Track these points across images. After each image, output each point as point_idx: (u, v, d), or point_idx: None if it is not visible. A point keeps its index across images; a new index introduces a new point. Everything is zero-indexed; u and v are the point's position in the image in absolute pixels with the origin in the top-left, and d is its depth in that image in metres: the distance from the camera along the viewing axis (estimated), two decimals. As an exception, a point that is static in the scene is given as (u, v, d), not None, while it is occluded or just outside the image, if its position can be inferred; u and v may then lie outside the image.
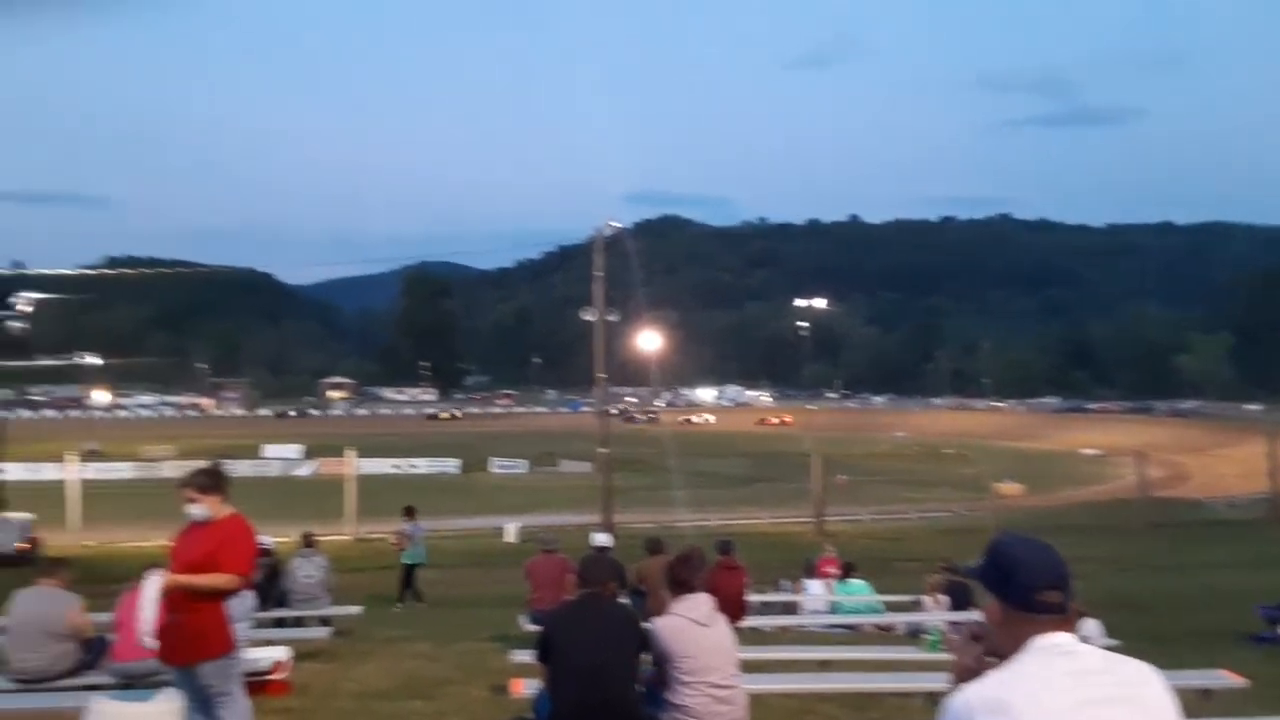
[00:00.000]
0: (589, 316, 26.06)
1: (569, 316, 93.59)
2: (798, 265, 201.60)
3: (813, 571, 14.23)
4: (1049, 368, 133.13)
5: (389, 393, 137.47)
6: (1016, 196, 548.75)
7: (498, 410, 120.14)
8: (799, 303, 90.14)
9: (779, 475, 50.76)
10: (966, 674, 2.12)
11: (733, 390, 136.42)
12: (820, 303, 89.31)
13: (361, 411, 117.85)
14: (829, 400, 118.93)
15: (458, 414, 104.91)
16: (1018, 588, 2.04)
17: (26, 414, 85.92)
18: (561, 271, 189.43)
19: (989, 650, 2.14)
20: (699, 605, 4.76)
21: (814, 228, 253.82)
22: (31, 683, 6.96)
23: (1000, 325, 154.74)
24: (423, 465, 54.02)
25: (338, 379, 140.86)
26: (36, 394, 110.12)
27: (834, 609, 13.24)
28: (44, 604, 7.02)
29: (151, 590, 4.74)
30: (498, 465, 55.96)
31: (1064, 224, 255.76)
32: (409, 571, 15.93)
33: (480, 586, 19.70)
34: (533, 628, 9.67)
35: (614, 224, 27.07)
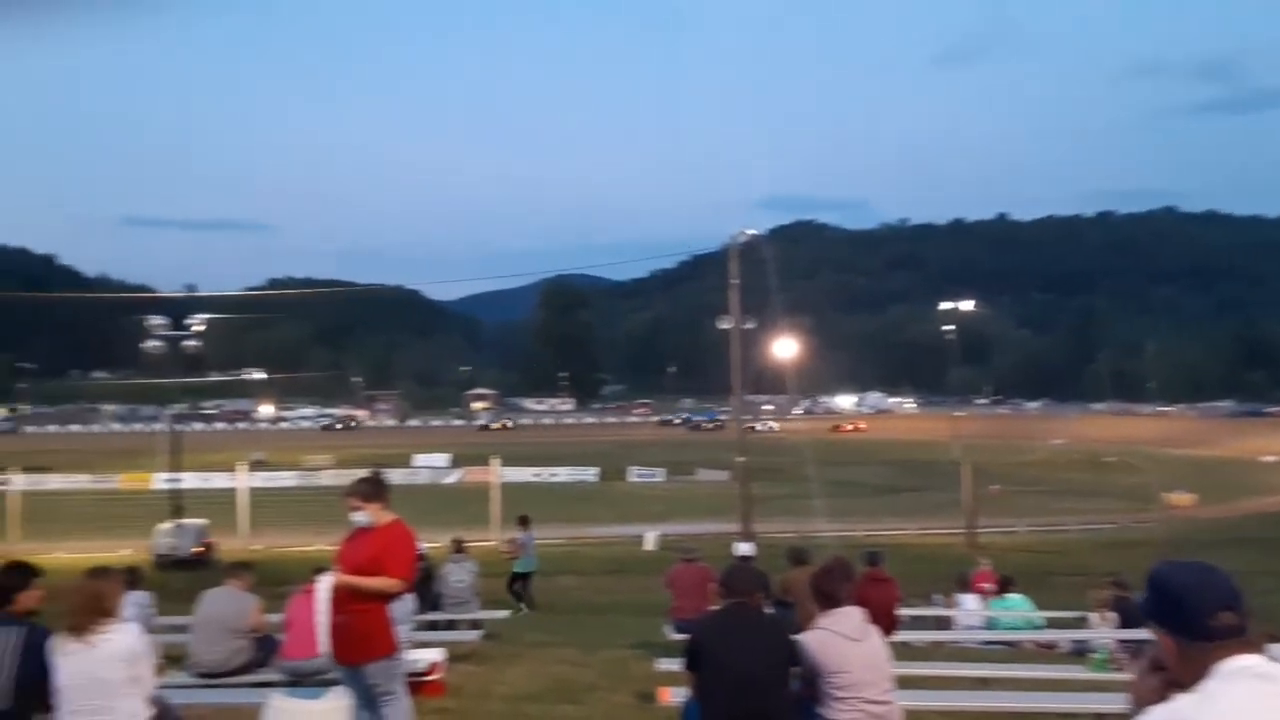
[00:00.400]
0: (725, 325, 25.95)
1: (703, 325, 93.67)
2: (941, 267, 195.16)
3: (967, 585, 13.66)
4: (1221, 369, 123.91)
5: (529, 403, 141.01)
6: (1181, 188, 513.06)
7: (634, 419, 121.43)
8: (944, 305, 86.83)
9: (926, 484, 49.18)
10: (1148, 702, 1.97)
11: (874, 397, 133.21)
12: (967, 305, 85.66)
13: (505, 422, 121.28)
14: (978, 406, 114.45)
15: (509, 424, 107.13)
16: (1189, 616, 1.89)
17: (199, 426, 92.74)
18: (695, 280, 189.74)
19: (1170, 681, 1.98)
20: (848, 619, 4.63)
21: (958, 227, 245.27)
22: (209, 677, 7.43)
23: (1166, 324, 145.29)
24: (563, 474, 55.03)
25: (481, 390, 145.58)
26: (209, 408, 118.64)
27: (990, 625, 12.69)
28: (228, 603, 7.49)
29: (325, 592, 4.97)
30: (635, 474, 56.43)
31: (1235, 216, 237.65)
32: (521, 579, 16.15)
33: (620, 593, 19.87)
34: (677, 636, 9.67)
35: (749, 231, 26.89)
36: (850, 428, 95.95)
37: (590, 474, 56.10)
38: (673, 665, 7.47)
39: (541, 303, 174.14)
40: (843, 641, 4.51)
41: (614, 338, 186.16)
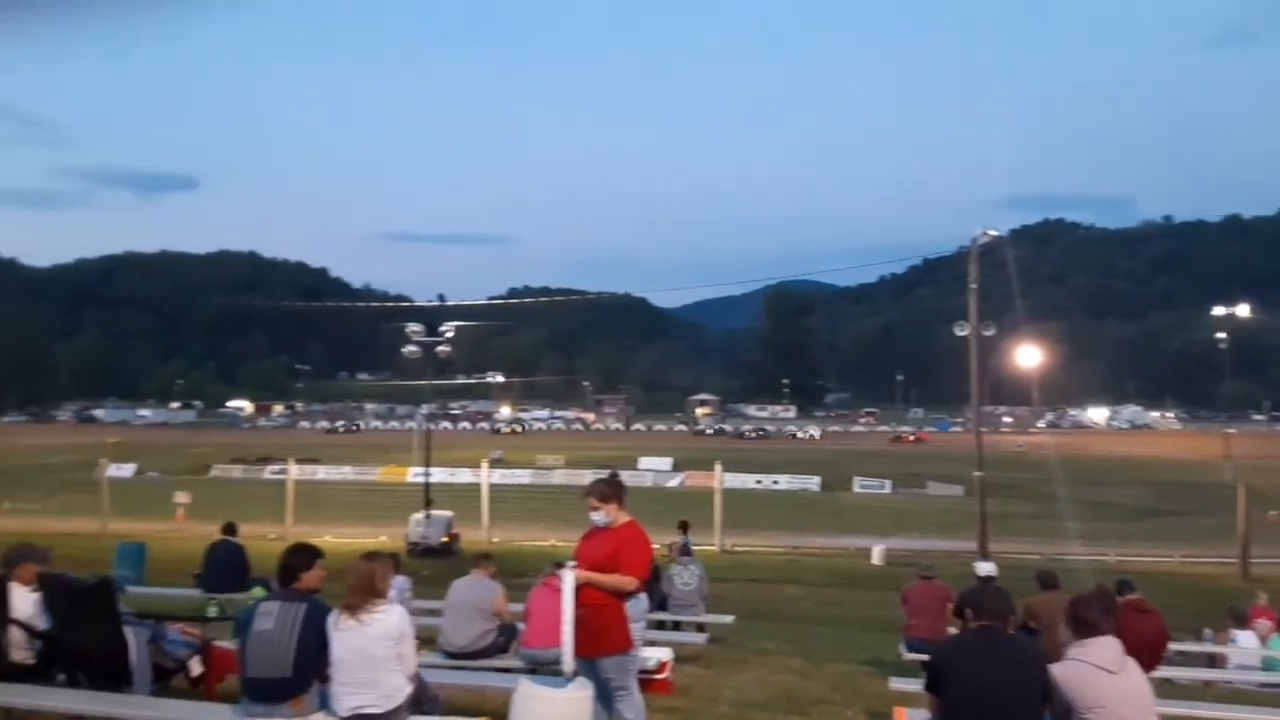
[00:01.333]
0: (961, 331, 24.71)
1: (936, 331, 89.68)
2: (1213, 268, 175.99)
3: (1243, 621, 12.22)
4: None
5: (751, 409, 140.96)
6: None
7: (860, 428, 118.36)
8: (1216, 311, 78.05)
9: (1191, 508, 44.55)
10: None
11: (1130, 410, 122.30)
12: (1242, 310, 76.58)
13: (727, 428, 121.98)
14: (1254, 423, 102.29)
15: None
16: None
17: (446, 425, 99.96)
18: (928, 285, 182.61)
19: None
20: (1106, 650, 4.28)
21: (1234, 225, 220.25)
22: (457, 657, 7.96)
23: None
24: (784, 481, 54.50)
25: (704, 396, 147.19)
26: (455, 408, 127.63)
27: (1268, 665, 11.31)
28: (476, 590, 8.01)
29: (569, 586, 5.20)
30: (860, 484, 54.96)
31: None
32: None
33: (846, 607, 19.37)
34: (912, 655, 9.31)
35: (990, 232, 25.44)
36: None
37: (813, 483, 55.24)
38: (908, 685, 7.20)
39: (766, 309, 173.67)
40: (1099, 674, 4.17)
41: (839, 344, 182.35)
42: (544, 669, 7.56)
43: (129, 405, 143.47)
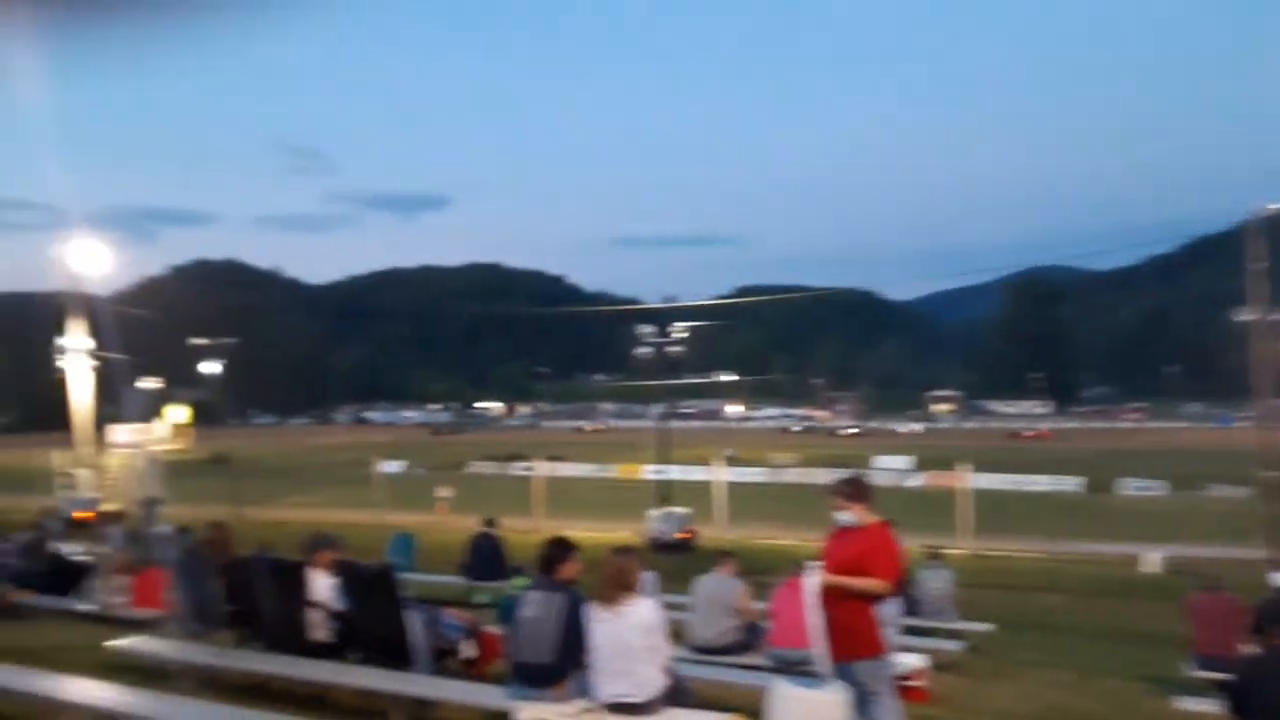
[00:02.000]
0: (1244, 316, 22.08)
1: (1214, 317, 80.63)
2: None
3: None
4: None
5: (997, 405, 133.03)
6: None
7: (1127, 425, 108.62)
8: None
9: None
10: None
11: None
12: None
13: (971, 425, 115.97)
14: None
15: (602, 427, 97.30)
16: None
17: (678, 424, 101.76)
18: (1201, 266, 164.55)
19: None
20: None
21: None
22: (703, 653, 8.04)
23: None
24: (1042, 482, 50.90)
25: (942, 391, 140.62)
26: (686, 407, 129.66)
27: None
28: (721, 587, 8.07)
29: (814, 588, 5.11)
30: (1132, 486, 50.33)
31: None
32: None
33: (1115, 619, 17.78)
34: (1202, 674, 8.43)
35: (1271, 205, 22.57)
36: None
37: (1073, 484, 51.23)
38: (1197, 705, 6.53)
39: (1010, 298, 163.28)
40: None
41: (1098, 334, 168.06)
42: (791, 669, 7.49)
43: (395, 408, 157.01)
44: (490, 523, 13.64)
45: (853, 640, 5.20)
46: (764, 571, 16.63)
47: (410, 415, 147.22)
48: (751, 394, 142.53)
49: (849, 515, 5.43)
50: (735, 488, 36.17)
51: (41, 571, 10.41)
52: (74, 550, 13.30)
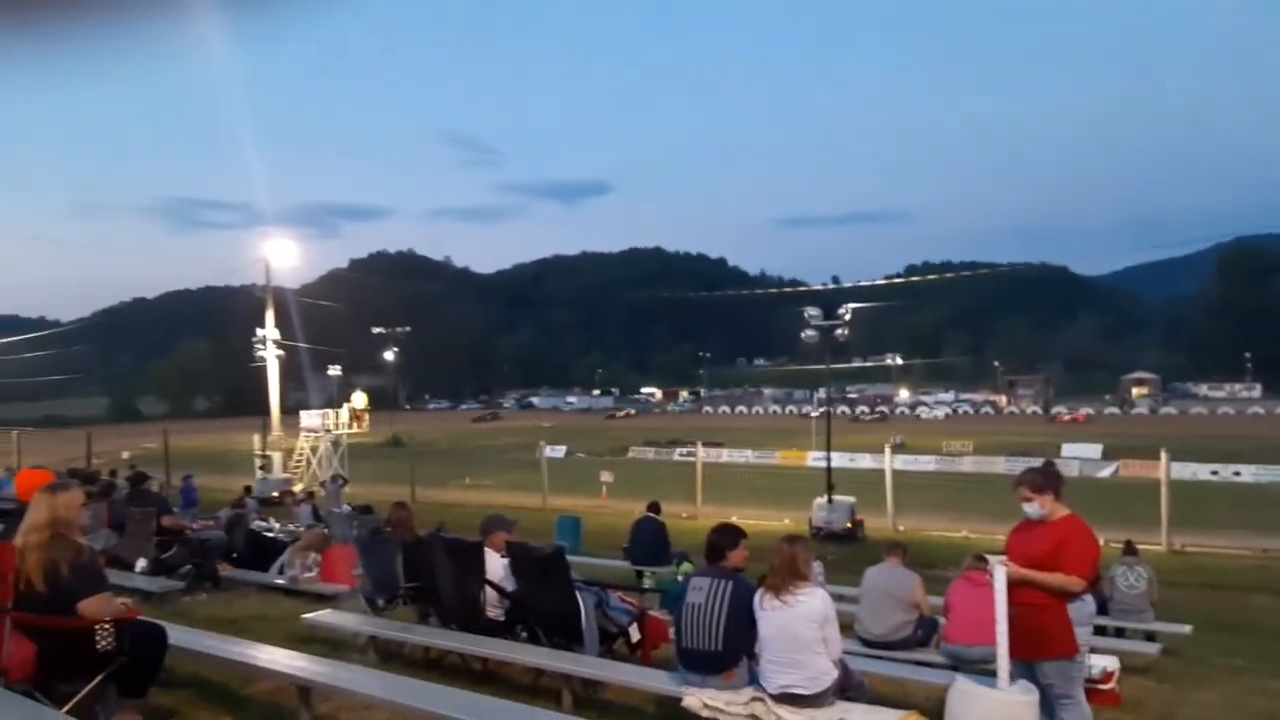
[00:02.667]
0: None
1: None
2: None
3: None
4: None
5: (1203, 388, 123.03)
6: None
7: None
8: None
9: None
10: None
11: None
12: None
13: (1169, 410, 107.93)
14: None
15: (631, 412, 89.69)
16: None
17: (844, 410, 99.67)
18: None
19: None
20: None
21: None
22: (873, 646, 7.77)
23: None
24: (1247, 473, 46.69)
25: (1140, 374, 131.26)
26: (851, 392, 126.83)
27: None
28: (892, 578, 7.78)
29: (1000, 582, 4.83)
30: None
31: None
32: None
33: (1337, 625, 16.08)
34: None
35: None
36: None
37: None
38: None
39: (1219, 271, 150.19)
40: None
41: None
42: (968, 666, 7.15)
43: (559, 393, 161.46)
44: (653, 508, 13.72)
45: (1041, 638, 4.91)
46: (935, 564, 16.05)
47: (573, 401, 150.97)
48: (923, 378, 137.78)
49: (1036, 507, 5.16)
50: (904, 476, 35.11)
51: (241, 546, 11.25)
52: (269, 527, 14.34)
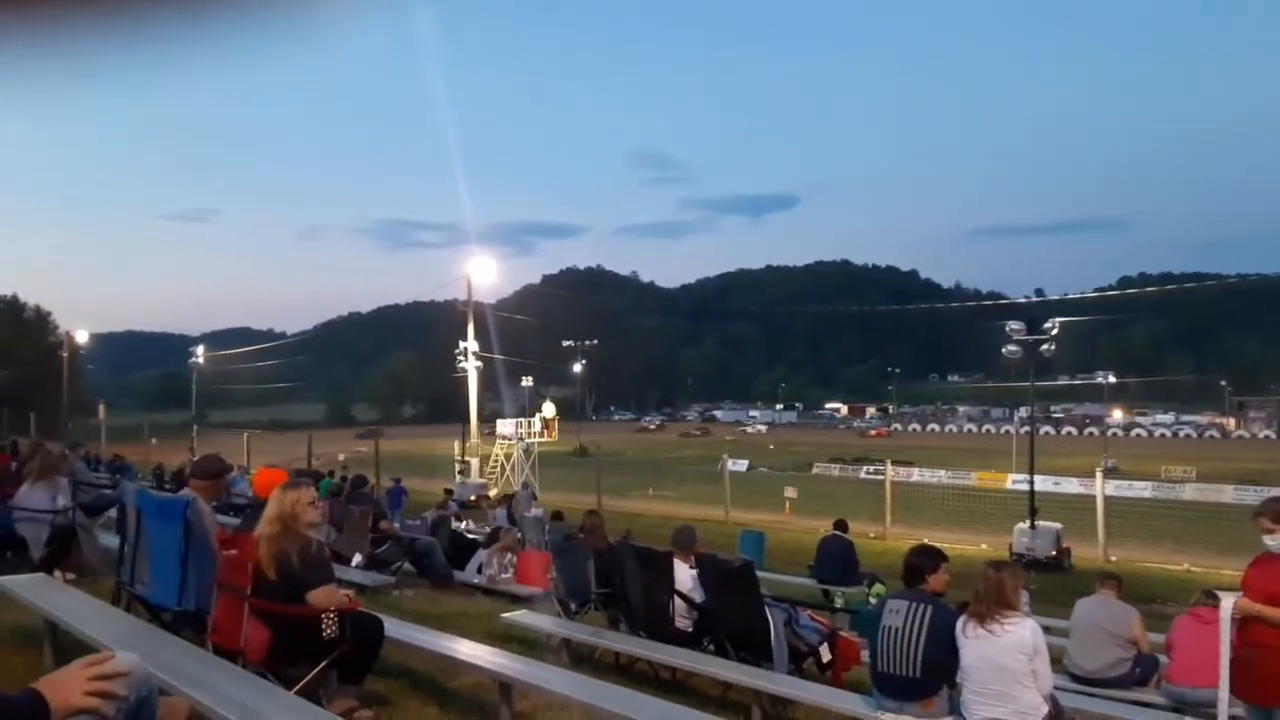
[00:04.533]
0: None
1: None
2: None
3: None
4: None
5: None
6: None
7: None
8: None
9: None
10: None
11: None
12: None
13: None
14: None
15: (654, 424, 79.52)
16: None
17: (1047, 430, 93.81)
18: None
19: None
20: None
21: None
22: (1085, 682, 7.26)
23: None
24: None
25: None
26: (1056, 411, 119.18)
27: None
28: (1106, 611, 7.26)
29: (1227, 619, 4.40)
30: None
31: None
32: None
33: None
34: None
35: None
36: None
37: None
38: None
39: None
40: None
41: None
42: (1193, 709, 6.56)
43: (741, 407, 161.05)
44: (840, 525, 13.42)
45: (1278, 683, 4.44)
46: (1153, 599, 14.82)
47: (755, 415, 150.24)
48: (1139, 397, 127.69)
49: (1277, 540, 4.68)
50: (1116, 503, 32.69)
51: (444, 546, 11.87)
52: (468, 528, 15.07)
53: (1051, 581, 18.85)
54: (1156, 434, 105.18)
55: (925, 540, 23.13)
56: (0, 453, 11.80)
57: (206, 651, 4.45)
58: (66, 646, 4.92)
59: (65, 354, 61.78)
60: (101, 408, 56.41)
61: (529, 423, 42.96)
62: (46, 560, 7.36)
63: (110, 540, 7.34)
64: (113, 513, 8.05)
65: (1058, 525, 24.31)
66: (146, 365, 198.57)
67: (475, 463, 39.16)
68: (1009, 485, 41.87)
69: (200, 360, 71.48)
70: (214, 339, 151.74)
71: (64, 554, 7.45)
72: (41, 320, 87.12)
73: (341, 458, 43.14)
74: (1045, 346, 25.59)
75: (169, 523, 5.14)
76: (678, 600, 6.67)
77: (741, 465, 57.64)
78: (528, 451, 42.01)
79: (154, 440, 48.10)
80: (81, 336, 66.80)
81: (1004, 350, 26.53)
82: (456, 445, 41.55)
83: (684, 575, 6.70)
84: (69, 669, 1.90)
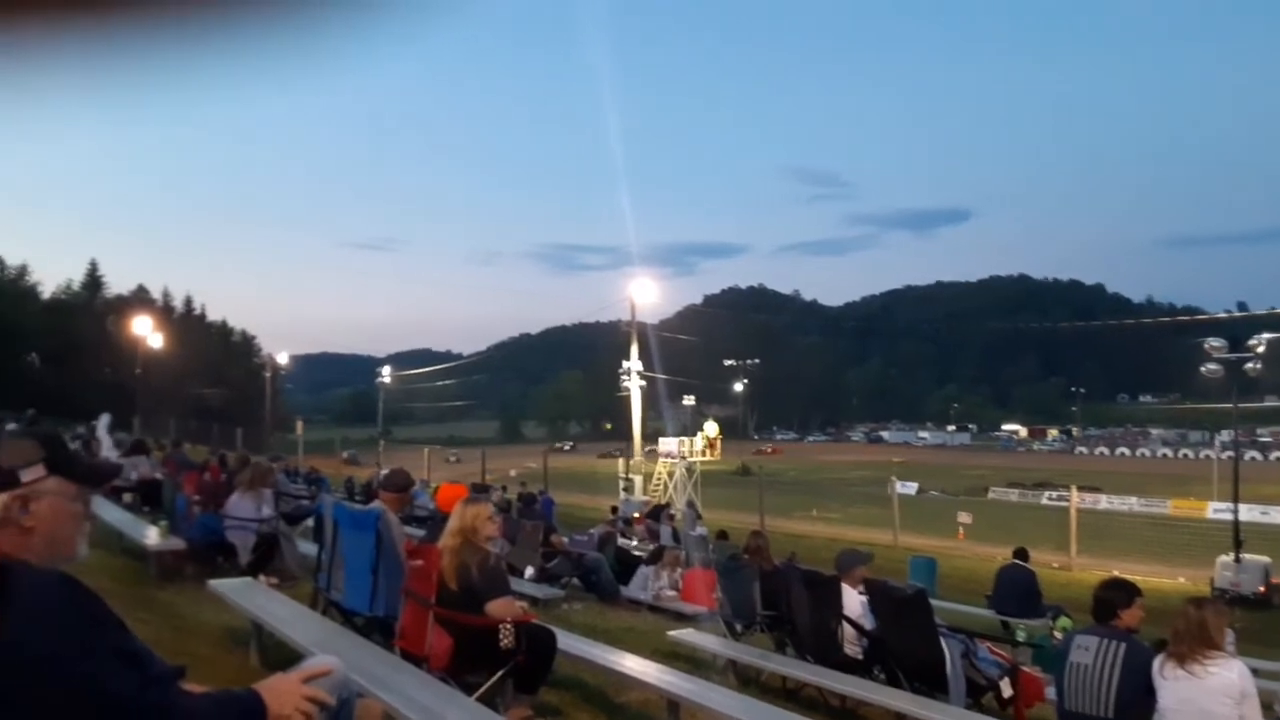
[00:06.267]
0: None
1: None
2: None
3: None
4: None
5: None
6: None
7: None
8: None
9: None
10: None
11: None
12: None
13: None
14: None
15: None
16: None
17: (1254, 455, 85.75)
18: None
19: None
20: None
21: None
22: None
23: None
24: None
25: None
26: (1264, 435, 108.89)
27: None
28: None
29: None
30: None
31: None
32: None
33: None
34: None
35: None
36: None
37: None
38: None
39: None
40: None
41: None
42: None
43: (910, 427, 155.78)
44: (1021, 554, 12.74)
45: None
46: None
47: (925, 436, 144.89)
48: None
49: None
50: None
51: (611, 562, 12.07)
52: (633, 545, 15.26)
53: (1259, 620, 17.36)
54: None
55: (1115, 572, 21.79)
56: (212, 465, 12.90)
57: (395, 656, 4.72)
58: (270, 646, 5.33)
59: (269, 374, 67.10)
60: (299, 424, 60.59)
61: (691, 441, 43.10)
62: (253, 565, 7.99)
63: (309, 548, 7.89)
64: (310, 522, 8.66)
65: (1266, 559, 22.32)
66: (338, 384, 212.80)
67: (639, 480, 39.64)
68: (1209, 514, 38.74)
69: (386, 380, 75.70)
70: (398, 359, 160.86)
71: (268, 560, 8.07)
72: (247, 344, 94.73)
73: (514, 473, 44.65)
74: (1250, 364, 23.55)
75: (362, 532, 5.50)
76: (846, 626, 6.52)
77: (911, 488, 55.74)
78: (690, 470, 42.13)
79: (345, 454, 51.24)
80: (282, 358, 72.39)
81: (1202, 369, 24.54)
82: (621, 463, 42.19)
83: (853, 601, 6.55)
84: (287, 677, 2.01)
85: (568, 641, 5.44)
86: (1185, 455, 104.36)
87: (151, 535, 8.63)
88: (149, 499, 11.64)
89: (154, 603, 6.88)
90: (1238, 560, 22.12)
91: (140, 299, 72.58)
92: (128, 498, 12.11)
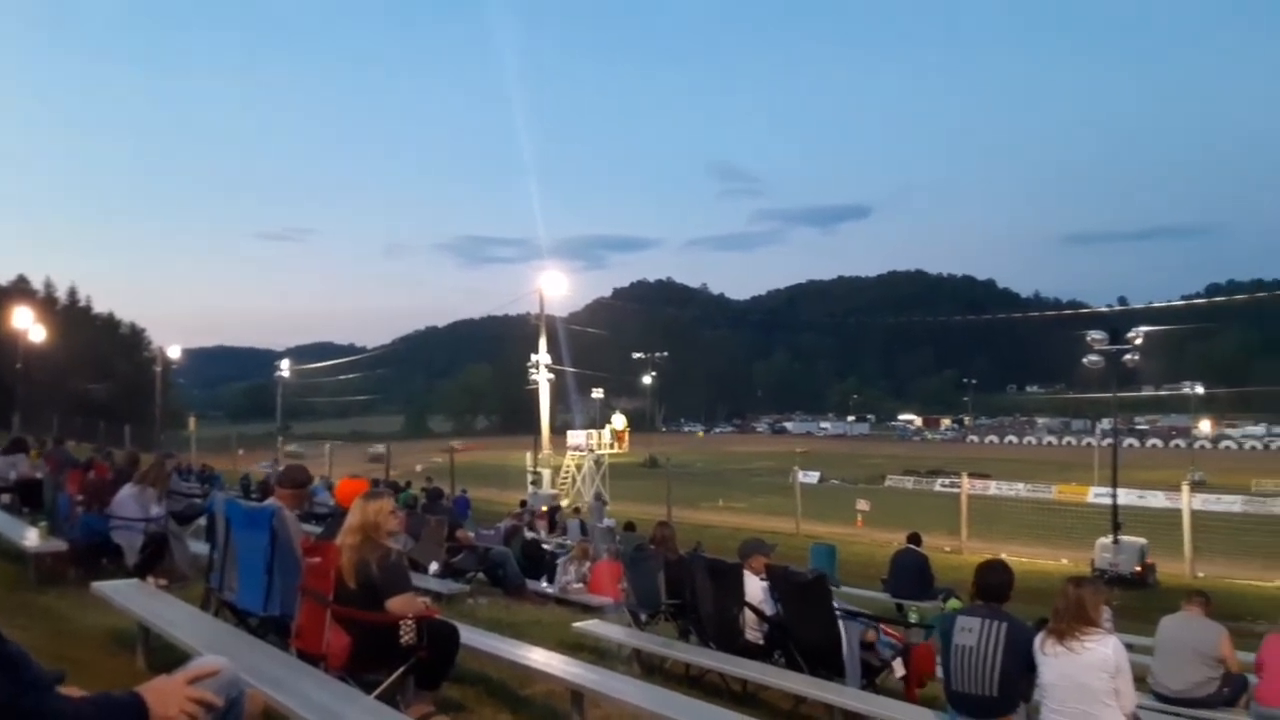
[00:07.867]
0: None
1: None
2: None
3: None
4: None
5: None
6: None
7: None
8: None
9: None
10: None
11: None
12: None
13: None
14: None
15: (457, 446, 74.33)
16: None
17: (1131, 442, 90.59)
18: None
19: None
20: None
21: None
22: (1170, 702, 7.03)
23: None
24: None
25: None
26: (1141, 423, 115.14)
27: None
28: (1192, 629, 7.03)
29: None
30: None
31: None
32: None
33: None
34: None
35: None
36: None
37: None
38: None
39: None
40: None
41: None
42: (1285, 733, 6.31)
43: (812, 418, 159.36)
44: (914, 539, 13.21)
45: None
46: (1241, 616, 14.25)
47: (826, 427, 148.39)
48: (1229, 409, 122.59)
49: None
50: (1204, 517, 31.52)
51: (517, 555, 12.02)
52: (541, 538, 15.23)
53: (1135, 598, 18.33)
54: (1247, 446, 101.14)
55: (1004, 554, 22.70)
56: (98, 463, 12.34)
57: (291, 656, 4.61)
58: (158, 649, 5.15)
59: (159, 368, 64.32)
60: (192, 420, 58.40)
61: (599, 434, 43.18)
62: (140, 566, 7.68)
63: (200, 547, 7.64)
64: (203, 521, 8.37)
65: (1142, 540, 23.62)
66: (235, 379, 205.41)
67: (547, 474, 39.50)
68: (1090, 499, 40.74)
69: (285, 374, 73.50)
70: (298, 353, 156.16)
71: (157, 561, 7.77)
72: (136, 337, 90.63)
73: (419, 468, 43.92)
74: (1128, 356, 24.86)
75: (256, 531, 5.34)
76: (748, 612, 6.66)
77: (813, 478, 57.01)
78: (598, 463, 42.20)
79: (240, 451, 49.64)
80: (174, 352, 69.46)
81: (1085, 360, 25.83)
82: (529, 456, 41.96)
83: (755, 587, 6.69)
84: (172, 679, 1.93)
85: (471, 636, 5.41)
86: (1069, 443, 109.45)
87: (31, 537, 8.19)
88: (28, 499, 11.06)
89: (33, 607, 6.56)
90: (1116, 542, 23.28)
91: (20, 289, 68.74)
92: (6, 498, 11.50)
